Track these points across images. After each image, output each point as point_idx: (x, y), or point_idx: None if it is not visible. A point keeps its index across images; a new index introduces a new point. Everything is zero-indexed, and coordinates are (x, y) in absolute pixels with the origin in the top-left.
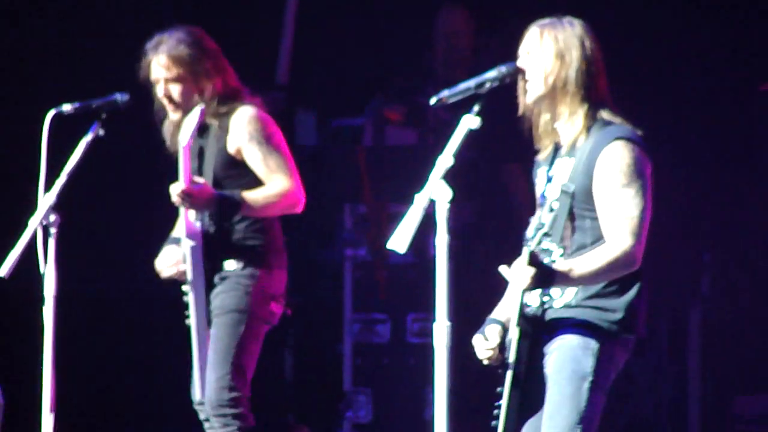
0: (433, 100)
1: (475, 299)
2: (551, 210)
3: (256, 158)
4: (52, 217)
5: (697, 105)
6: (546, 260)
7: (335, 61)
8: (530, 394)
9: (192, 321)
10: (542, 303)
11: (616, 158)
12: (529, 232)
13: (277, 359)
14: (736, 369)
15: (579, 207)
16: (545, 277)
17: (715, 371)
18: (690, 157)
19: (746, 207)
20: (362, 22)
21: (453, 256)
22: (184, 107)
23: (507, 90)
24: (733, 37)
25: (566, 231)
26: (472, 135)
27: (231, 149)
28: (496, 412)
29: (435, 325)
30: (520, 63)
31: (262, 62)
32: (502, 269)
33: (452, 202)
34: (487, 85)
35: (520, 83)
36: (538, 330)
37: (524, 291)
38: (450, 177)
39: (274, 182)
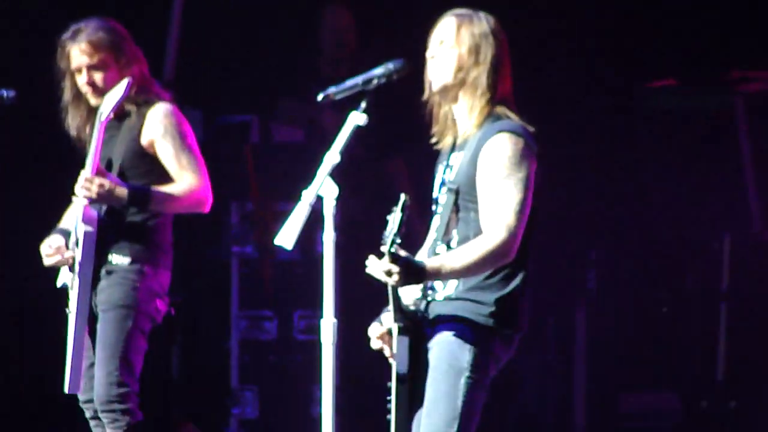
0: (320, 97)
1: (361, 296)
2: (435, 207)
3: (168, 153)
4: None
5: (581, 103)
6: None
7: (221, 58)
8: (419, 389)
9: (72, 309)
10: (425, 296)
11: (498, 150)
12: (386, 233)
13: (164, 356)
14: (621, 366)
15: (464, 200)
16: (414, 272)
17: (600, 368)
18: (575, 154)
19: (631, 203)
20: (248, 20)
21: (340, 252)
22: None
23: (392, 86)
24: (614, 34)
25: (450, 225)
26: (358, 130)
27: (144, 141)
28: (389, 406)
29: (322, 322)
30: (430, 51)
31: (148, 58)
32: (369, 268)
33: (339, 198)
34: (375, 81)
35: (427, 70)
36: (420, 324)
37: (395, 287)
38: (337, 173)
39: (184, 180)
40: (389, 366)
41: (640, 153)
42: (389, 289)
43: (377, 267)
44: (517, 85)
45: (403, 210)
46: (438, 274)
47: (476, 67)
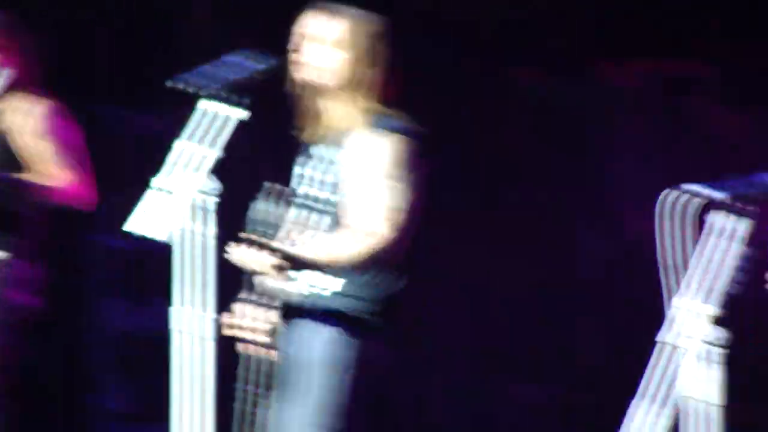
0: (171, 84)
1: (221, 285)
2: (296, 200)
3: (40, 149)
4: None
5: (451, 88)
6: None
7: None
8: (287, 383)
9: None
10: (304, 290)
11: (384, 149)
12: (248, 220)
13: (27, 348)
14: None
15: (337, 195)
16: (290, 263)
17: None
18: (446, 138)
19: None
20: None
21: (195, 242)
22: None
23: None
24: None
25: (312, 221)
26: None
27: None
28: (243, 396)
29: (171, 311)
30: (302, 45)
31: None
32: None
33: (199, 188)
34: (258, 76)
35: (294, 65)
36: (294, 316)
37: (265, 277)
38: (217, 169)
39: (56, 173)
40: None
41: (513, 142)
42: (252, 277)
43: (245, 255)
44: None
45: (269, 193)
46: (318, 267)
47: (352, 64)
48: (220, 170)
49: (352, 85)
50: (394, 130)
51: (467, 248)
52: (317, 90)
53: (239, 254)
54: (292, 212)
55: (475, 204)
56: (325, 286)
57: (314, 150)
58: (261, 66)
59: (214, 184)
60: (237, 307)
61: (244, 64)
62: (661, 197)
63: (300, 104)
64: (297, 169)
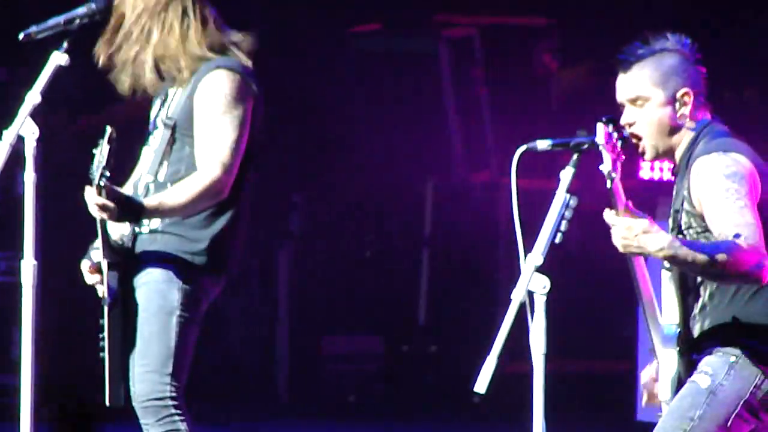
0: (21, 36)
1: (64, 236)
2: (146, 141)
3: None
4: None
5: (291, 45)
6: (143, 192)
7: None
8: (131, 326)
9: None
10: (133, 231)
11: (216, 86)
12: (93, 166)
13: None
14: (325, 309)
15: (181, 134)
16: (132, 209)
17: (304, 311)
18: (283, 95)
19: (337, 147)
20: None
21: (41, 193)
22: None
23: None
24: None
25: (163, 159)
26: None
27: None
28: (101, 344)
29: (22, 264)
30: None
31: None
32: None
33: (40, 138)
34: (77, 21)
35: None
36: (128, 259)
37: (105, 222)
38: (37, 113)
39: None
40: (99, 303)
41: (347, 96)
42: (98, 223)
43: (91, 200)
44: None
45: (109, 142)
46: (156, 212)
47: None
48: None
49: (169, 38)
50: (229, 67)
51: None
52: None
53: (91, 201)
54: (146, 153)
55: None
56: (153, 225)
57: (166, 91)
58: (81, 11)
59: (33, 129)
60: (93, 255)
61: (76, 12)
62: (516, 154)
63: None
64: (152, 113)
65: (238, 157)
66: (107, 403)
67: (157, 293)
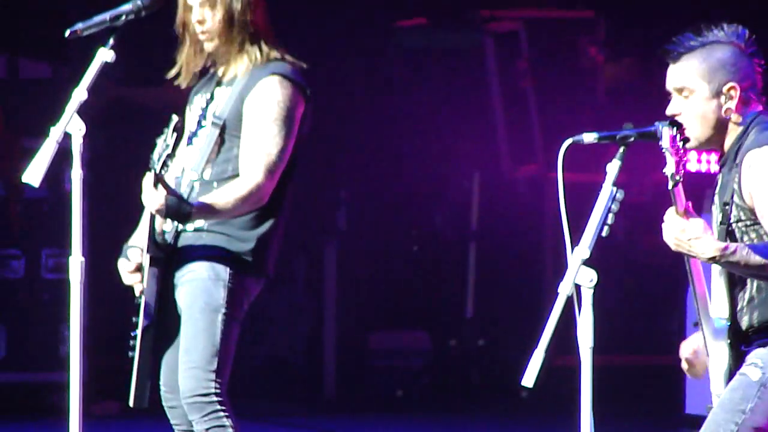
0: (67, 33)
1: (110, 233)
2: (190, 138)
3: None
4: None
5: (335, 42)
6: (186, 190)
7: None
8: (168, 325)
9: None
10: (176, 228)
11: (268, 93)
12: (155, 155)
13: None
14: (372, 305)
15: (230, 135)
16: (181, 209)
17: (350, 307)
18: (326, 92)
19: (381, 142)
20: None
21: (87, 189)
22: None
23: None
24: None
25: (210, 159)
26: (111, 66)
27: None
28: (132, 342)
29: (70, 261)
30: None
31: None
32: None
33: (87, 135)
34: (123, 17)
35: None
36: (170, 256)
37: (155, 216)
38: (84, 110)
39: None
40: (136, 299)
41: (392, 92)
42: (148, 216)
43: (147, 190)
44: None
45: (175, 130)
46: (202, 214)
47: (220, 10)
48: (85, 111)
49: (235, 30)
50: (284, 74)
51: None
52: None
53: (147, 190)
54: (192, 151)
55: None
56: (198, 223)
57: (212, 89)
58: (127, 7)
59: (80, 125)
60: (130, 253)
61: (122, 8)
62: (563, 147)
63: (189, 50)
64: (195, 108)
65: (283, 165)
66: (131, 403)
67: (203, 291)
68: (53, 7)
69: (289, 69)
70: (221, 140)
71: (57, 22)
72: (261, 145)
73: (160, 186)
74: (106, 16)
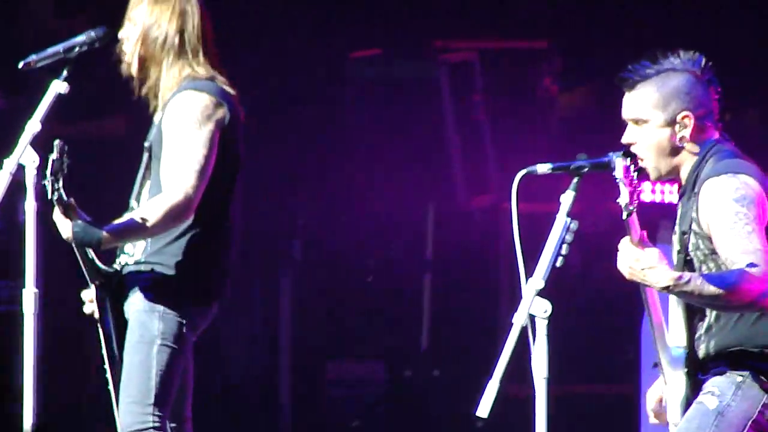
0: (20, 65)
1: (64, 264)
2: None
3: None
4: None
5: (291, 72)
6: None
7: None
8: (117, 357)
9: None
10: (119, 260)
11: (183, 106)
12: (44, 183)
13: None
14: (327, 335)
15: (155, 159)
16: (88, 233)
17: (306, 337)
18: (284, 122)
19: (338, 172)
20: None
21: (42, 221)
22: None
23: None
24: (321, 3)
25: (143, 184)
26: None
27: None
28: (106, 376)
29: (24, 292)
30: (122, 31)
31: None
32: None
33: (39, 166)
34: (77, 49)
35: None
36: (118, 288)
37: (76, 245)
38: (37, 142)
39: None
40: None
41: (347, 122)
42: (74, 247)
43: (57, 219)
44: (225, 55)
45: (60, 155)
46: (117, 238)
47: (153, 37)
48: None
49: (165, 55)
50: (197, 88)
51: None
52: (140, 66)
53: (56, 219)
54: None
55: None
56: (136, 256)
57: (156, 118)
58: (80, 38)
59: (34, 157)
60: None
61: (76, 40)
62: (517, 178)
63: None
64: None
65: (201, 179)
66: None
67: (138, 323)
68: (7, 39)
69: (204, 83)
70: (151, 165)
71: (11, 52)
72: (175, 161)
73: (71, 214)
74: (60, 47)
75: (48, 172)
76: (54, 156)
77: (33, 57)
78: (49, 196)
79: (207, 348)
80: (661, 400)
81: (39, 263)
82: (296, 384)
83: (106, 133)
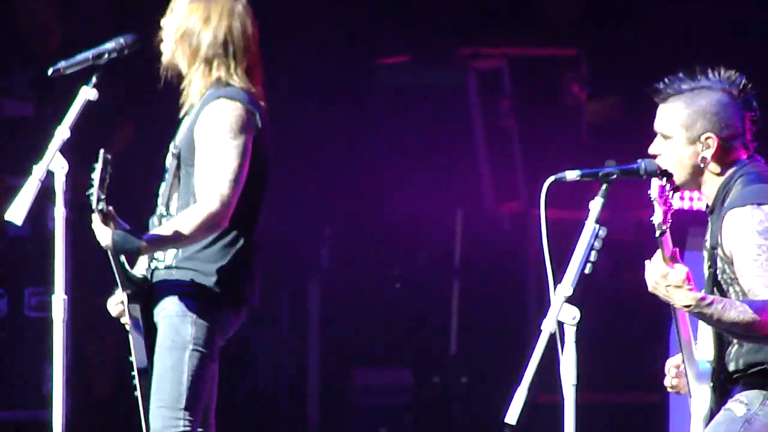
0: (50, 72)
1: (93, 272)
2: (164, 171)
3: None
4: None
5: (318, 78)
6: (158, 225)
7: None
8: (148, 362)
9: None
10: (149, 266)
11: (215, 116)
12: (90, 192)
13: None
14: (355, 342)
15: (185, 164)
16: (128, 242)
17: (334, 344)
18: (310, 130)
19: (364, 180)
20: None
21: (70, 228)
22: None
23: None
24: (347, 10)
25: (172, 191)
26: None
27: None
28: (133, 382)
29: (53, 299)
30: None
31: None
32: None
33: (69, 173)
34: (106, 56)
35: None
36: (148, 294)
37: (111, 252)
38: (68, 147)
39: None
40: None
41: (375, 130)
42: (109, 255)
43: (95, 228)
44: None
45: (104, 165)
46: (154, 247)
47: (189, 38)
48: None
49: (194, 57)
50: (231, 96)
51: None
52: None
53: (98, 228)
54: (162, 185)
55: None
56: (167, 261)
57: (181, 121)
58: (109, 45)
59: (63, 164)
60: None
61: (105, 46)
62: (545, 185)
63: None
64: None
65: (236, 188)
66: None
67: (170, 327)
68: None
69: (236, 91)
70: (180, 171)
71: (41, 59)
72: (211, 170)
73: (111, 222)
74: (89, 54)
75: (95, 183)
76: (99, 166)
77: (62, 63)
78: (94, 206)
79: (236, 356)
80: (678, 366)
81: (68, 270)
82: (324, 391)
83: (123, 146)
